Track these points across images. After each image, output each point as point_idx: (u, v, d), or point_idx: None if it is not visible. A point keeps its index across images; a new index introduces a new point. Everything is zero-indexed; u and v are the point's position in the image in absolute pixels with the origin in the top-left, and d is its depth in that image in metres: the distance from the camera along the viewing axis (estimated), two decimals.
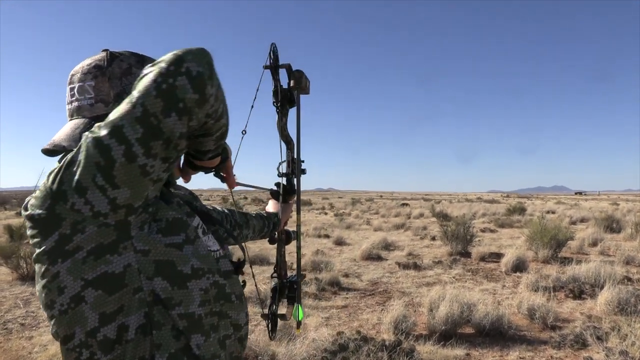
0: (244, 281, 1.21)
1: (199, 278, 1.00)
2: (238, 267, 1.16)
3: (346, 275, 8.00)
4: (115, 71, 1.07)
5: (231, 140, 1.26)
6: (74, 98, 1.08)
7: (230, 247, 1.31)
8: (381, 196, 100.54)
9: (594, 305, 5.86)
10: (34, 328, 5.15)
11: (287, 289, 1.48)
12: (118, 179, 0.83)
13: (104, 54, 1.09)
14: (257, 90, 1.34)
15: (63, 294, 0.90)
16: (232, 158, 1.27)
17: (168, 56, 0.86)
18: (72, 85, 1.08)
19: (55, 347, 4.38)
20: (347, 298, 6.57)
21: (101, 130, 0.83)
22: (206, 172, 1.10)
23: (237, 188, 1.32)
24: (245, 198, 41.57)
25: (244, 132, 1.35)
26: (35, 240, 0.91)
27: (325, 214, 26.86)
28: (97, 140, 0.82)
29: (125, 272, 0.91)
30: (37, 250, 0.91)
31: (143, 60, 1.11)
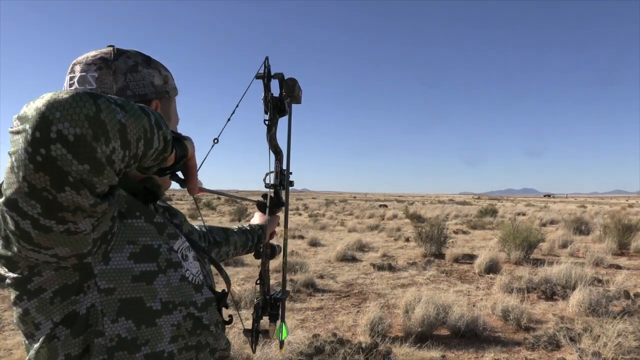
0: (230, 316, 1.15)
1: (169, 313, 0.93)
2: (220, 298, 1.08)
3: (321, 277, 7.94)
4: (121, 66, 1.01)
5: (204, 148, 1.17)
6: (72, 87, 1.00)
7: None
8: (355, 197, 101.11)
9: (565, 306, 5.95)
10: None
11: (270, 306, 1.42)
12: (44, 244, 0.72)
13: (110, 48, 1.03)
14: (242, 97, 1.30)
15: (39, 329, 0.86)
16: (198, 160, 1.07)
17: (31, 112, 0.64)
18: (72, 75, 1.01)
19: (20, 352, 4.20)
20: (322, 300, 6.51)
21: (2, 197, 0.69)
22: (160, 175, 0.94)
23: (230, 194, 1.21)
24: (219, 198, 41.07)
25: (215, 141, 1.28)
26: (4, 268, 0.86)
27: (300, 214, 26.80)
28: (2, 208, 0.69)
29: (89, 314, 0.85)
30: (7, 280, 0.86)
31: (149, 61, 1.06)
